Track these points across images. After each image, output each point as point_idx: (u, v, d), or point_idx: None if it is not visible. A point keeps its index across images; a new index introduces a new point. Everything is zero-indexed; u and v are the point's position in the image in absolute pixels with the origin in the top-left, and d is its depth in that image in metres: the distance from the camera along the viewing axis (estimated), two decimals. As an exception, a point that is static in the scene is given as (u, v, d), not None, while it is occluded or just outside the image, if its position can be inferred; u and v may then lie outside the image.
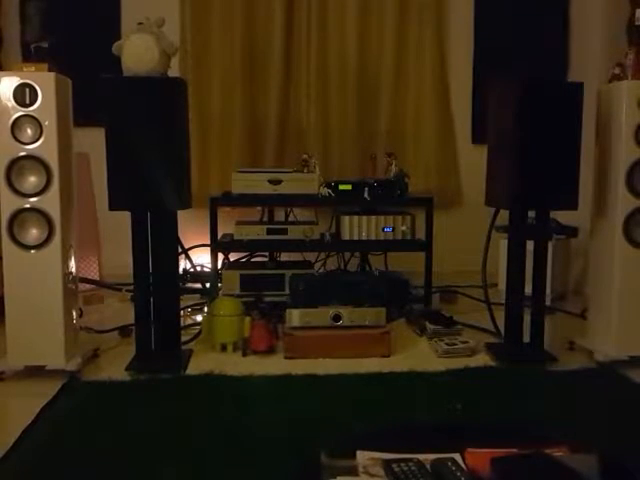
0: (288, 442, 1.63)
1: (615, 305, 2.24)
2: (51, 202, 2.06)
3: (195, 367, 2.22)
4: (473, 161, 3.77)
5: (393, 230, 3.04)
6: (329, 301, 2.42)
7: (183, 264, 3.30)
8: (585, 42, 3.72)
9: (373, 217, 3.04)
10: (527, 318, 2.33)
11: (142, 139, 2.09)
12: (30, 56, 2.18)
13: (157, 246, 2.24)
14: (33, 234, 2.08)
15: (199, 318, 2.90)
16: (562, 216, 3.14)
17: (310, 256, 3.40)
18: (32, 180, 2.06)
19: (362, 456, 1.38)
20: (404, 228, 3.04)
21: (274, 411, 1.85)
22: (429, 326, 2.57)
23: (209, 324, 2.42)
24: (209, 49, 3.68)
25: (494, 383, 2.09)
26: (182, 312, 2.79)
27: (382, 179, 3.17)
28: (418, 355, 2.38)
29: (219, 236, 3.06)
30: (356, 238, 3.05)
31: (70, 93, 2.19)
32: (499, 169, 2.31)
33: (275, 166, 3.63)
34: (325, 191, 3.07)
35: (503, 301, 2.39)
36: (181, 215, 2.27)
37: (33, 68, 2.05)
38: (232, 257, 3.37)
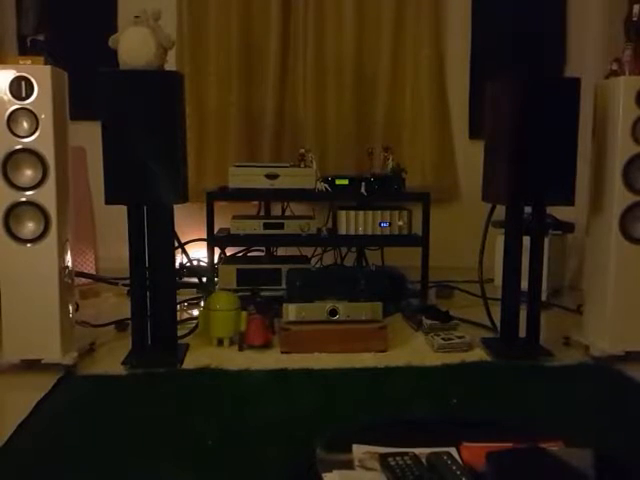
0: (284, 436, 1.63)
1: (611, 300, 2.25)
2: (47, 196, 2.05)
3: (191, 361, 2.22)
4: (470, 156, 3.77)
5: (390, 225, 3.05)
6: (325, 296, 2.42)
7: (179, 258, 3.29)
8: (582, 38, 3.72)
9: (370, 212, 3.04)
10: (523, 313, 2.33)
11: (138, 133, 2.09)
12: (26, 49, 2.17)
13: (153, 240, 2.23)
14: (29, 228, 2.07)
15: (195, 312, 2.91)
16: (559, 212, 3.14)
17: (307, 251, 3.40)
18: (28, 173, 2.05)
19: (358, 450, 1.39)
20: (401, 223, 3.04)
21: (270, 405, 1.85)
22: (425, 321, 2.57)
23: (206, 318, 2.42)
24: (206, 43, 3.67)
25: (490, 378, 2.09)
26: (178, 306, 2.78)
27: (379, 174, 3.17)
28: (414, 350, 2.39)
29: (215, 230, 3.06)
30: (353, 233, 3.05)
31: (66, 86, 2.18)
32: (496, 164, 2.31)
33: (272, 160, 3.63)
34: (322, 186, 3.06)
35: (499, 296, 2.39)
36: (177, 209, 2.26)
37: (29, 61, 2.04)
38: (229, 251, 3.37)
